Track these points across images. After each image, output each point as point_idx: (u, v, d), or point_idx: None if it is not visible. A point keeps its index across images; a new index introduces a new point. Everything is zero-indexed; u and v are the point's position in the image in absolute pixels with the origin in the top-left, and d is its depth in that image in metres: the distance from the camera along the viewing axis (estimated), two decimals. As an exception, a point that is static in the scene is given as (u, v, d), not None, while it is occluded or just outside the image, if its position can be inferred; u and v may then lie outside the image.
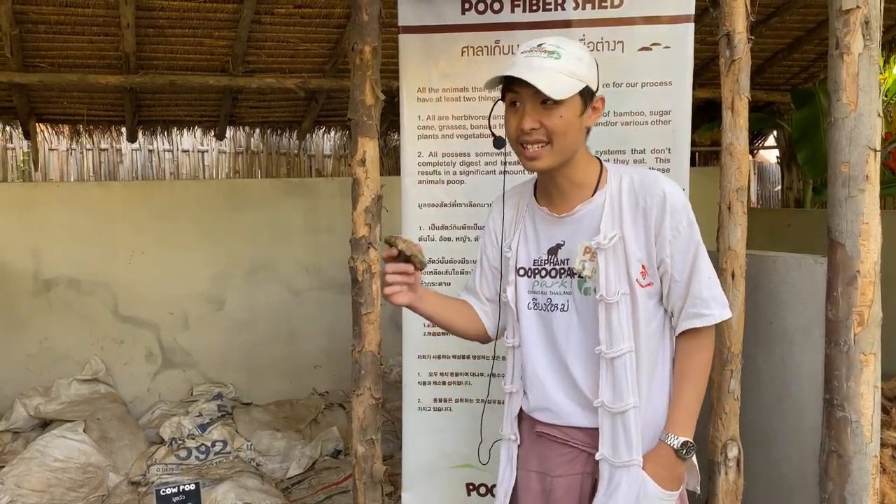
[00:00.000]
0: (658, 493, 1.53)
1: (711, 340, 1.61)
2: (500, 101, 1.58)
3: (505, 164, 1.74)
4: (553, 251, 1.62)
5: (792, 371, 2.14)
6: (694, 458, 1.61)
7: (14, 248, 4.17)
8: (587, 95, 1.52)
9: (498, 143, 1.66)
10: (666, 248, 1.53)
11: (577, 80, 1.48)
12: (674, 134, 2.27)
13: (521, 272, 1.66)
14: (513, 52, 2.35)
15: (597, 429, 1.58)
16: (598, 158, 1.63)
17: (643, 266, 1.54)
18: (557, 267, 1.61)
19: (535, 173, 1.63)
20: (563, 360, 1.61)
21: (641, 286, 1.55)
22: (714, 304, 1.54)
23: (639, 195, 1.54)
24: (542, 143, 1.50)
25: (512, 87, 1.51)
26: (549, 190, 1.62)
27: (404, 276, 1.58)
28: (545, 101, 1.47)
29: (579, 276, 1.56)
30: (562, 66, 1.47)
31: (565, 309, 1.60)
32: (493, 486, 2.44)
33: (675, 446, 1.54)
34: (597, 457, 1.56)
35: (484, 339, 1.82)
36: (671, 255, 1.53)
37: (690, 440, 1.55)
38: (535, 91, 1.45)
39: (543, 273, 1.63)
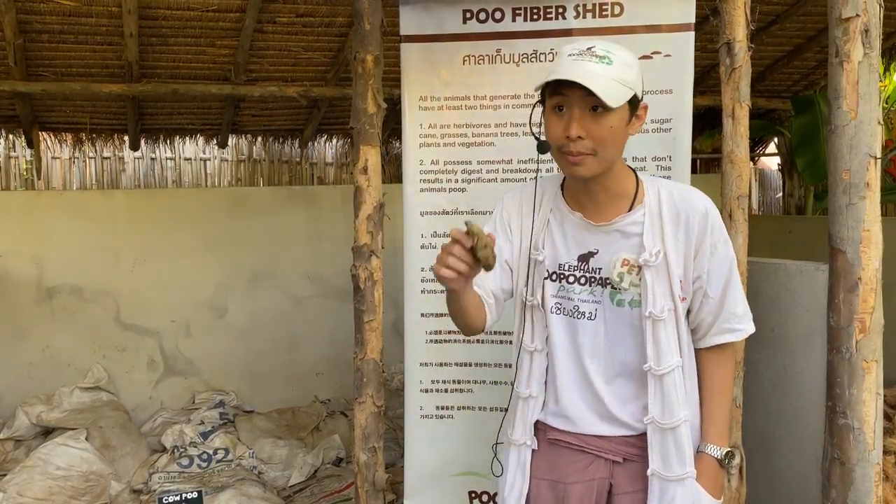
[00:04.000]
0: (711, 503, 1.55)
1: (737, 352, 1.65)
2: (540, 105, 1.50)
3: (538, 170, 1.69)
4: (584, 258, 1.57)
5: (793, 378, 2.14)
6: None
7: (17, 256, 4.17)
8: (634, 103, 1.45)
9: (542, 147, 1.50)
10: (704, 265, 1.52)
11: (628, 87, 1.41)
12: (674, 141, 2.28)
13: (546, 275, 1.61)
14: (514, 61, 2.36)
15: (613, 436, 1.58)
16: (631, 168, 1.57)
17: (680, 281, 1.53)
18: (588, 275, 1.56)
19: (565, 174, 1.56)
20: (584, 369, 1.58)
21: (680, 300, 1.54)
22: (745, 319, 1.58)
23: (680, 209, 1.51)
24: (584, 154, 1.42)
25: (559, 91, 1.41)
26: (580, 196, 1.56)
27: (463, 268, 1.38)
28: (595, 108, 1.39)
29: (612, 287, 1.53)
30: (614, 73, 1.39)
31: (592, 318, 1.57)
32: (496, 493, 2.45)
33: (718, 457, 1.56)
34: (647, 472, 1.55)
35: (479, 331, 1.66)
36: (708, 272, 1.52)
37: (731, 449, 1.60)
38: (585, 96, 1.37)
39: (572, 279, 1.58)
